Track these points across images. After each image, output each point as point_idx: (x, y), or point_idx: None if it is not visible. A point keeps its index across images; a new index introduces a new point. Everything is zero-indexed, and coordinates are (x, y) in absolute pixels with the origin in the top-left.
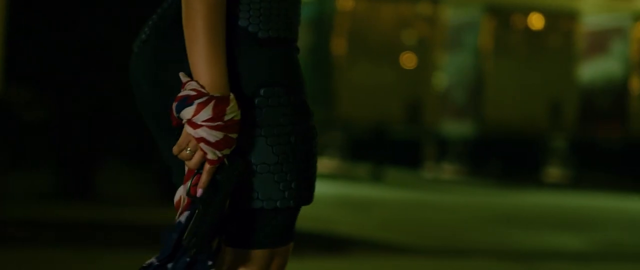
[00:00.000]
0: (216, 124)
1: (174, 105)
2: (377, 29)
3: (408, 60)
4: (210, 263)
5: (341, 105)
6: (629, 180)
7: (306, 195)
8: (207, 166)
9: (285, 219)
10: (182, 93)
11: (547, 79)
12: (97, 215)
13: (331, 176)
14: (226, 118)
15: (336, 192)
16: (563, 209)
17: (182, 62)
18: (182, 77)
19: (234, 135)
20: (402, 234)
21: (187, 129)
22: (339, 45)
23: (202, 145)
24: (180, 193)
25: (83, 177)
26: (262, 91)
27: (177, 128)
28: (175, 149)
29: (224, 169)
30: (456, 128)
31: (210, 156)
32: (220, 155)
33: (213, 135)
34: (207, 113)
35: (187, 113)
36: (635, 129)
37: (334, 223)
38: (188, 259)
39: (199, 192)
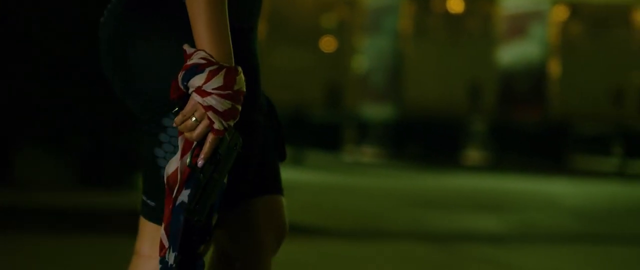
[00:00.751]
0: (226, 92)
1: (181, 74)
2: (296, 12)
3: (328, 43)
4: (208, 238)
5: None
6: (547, 163)
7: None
8: (211, 137)
9: None
10: (191, 62)
11: (466, 62)
12: (16, 199)
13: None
14: (235, 87)
15: None
16: (482, 191)
17: (134, 47)
18: (187, 48)
19: (239, 107)
20: (321, 217)
21: (195, 97)
22: (258, 29)
23: (209, 113)
24: (176, 165)
25: (1, 163)
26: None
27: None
28: (178, 119)
29: (224, 143)
30: (376, 111)
31: (216, 126)
32: (226, 125)
33: (222, 104)
34: (218, 81)
35: (197, 80)
36: (554, 112)
37: None
38: (195, 238)
39: (201, 163)
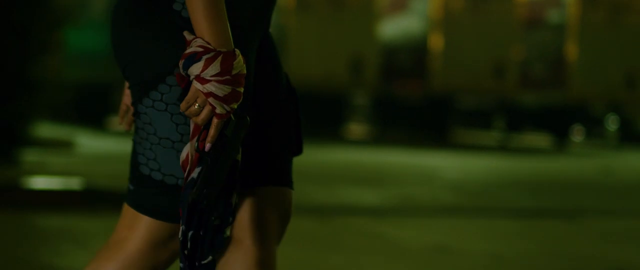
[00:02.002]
0: (224, 78)
1: (181, 62)
2: None
3: None
4: (231, 219)
5: None
6: (429, 136)
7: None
8: (215, 121)
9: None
10: (189, 50)
11: (348, 36)
12: None
13: (131, 134)
14: (234, 72)
15: None
16: (363, 165)
17: (125, 43)
18: (187, 35)
19: (241, 89)
20: None
21: (196, 84)
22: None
23: (210, 99)
24: (187, 150)
25: None
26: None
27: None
28: (183, 105)
29: (230, 124)
30: None
31: (218, 110)
32: (228, 108)
33: (221, 90)
34: (215, 68)
35: (196, 69)
36: (436, 86)
37: None
38: (214, 219)
39: (208, 146)
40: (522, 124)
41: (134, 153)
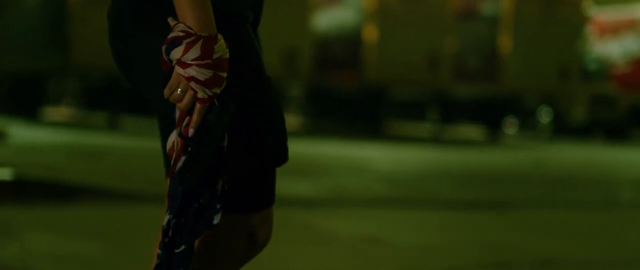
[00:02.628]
0: (205, 62)
1: (164, 47)
2: None
3: None
4: (218, 206)
5: (77, 53)
6: (363, 128)
7: (282, 154)
8: (198, 106)
9: (266, 181)
10: (171, 35)
11: (282, 27)
12: None
13: (66, 124)
14: (215, 56)
15: (70, 141)
16: (297, 156)
17: (131, 37)
18: (170, 21)
19: (223, 74)
20: (133, 182)
21: (177, 69)
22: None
23: (192, 84)
24: (173, 138)
25: None
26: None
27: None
28: (166, 91)
29: (214, 109)
30: None
31: (200, 95)
32: (210, 93)
33: (202, 74)
34: (195, 52)
35: (176, 53)
36: (370, 78)
37: (66, 171)
38: (197, 205)
39: (191, 132)
40: (456, 116)
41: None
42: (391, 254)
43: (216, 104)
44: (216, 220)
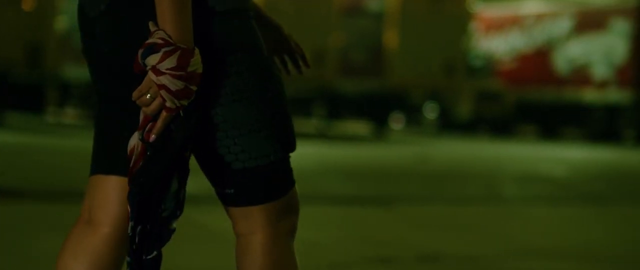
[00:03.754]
0: (179, 73)
1: (140, 51)
2: None
3: (28, 2)
4: (178, 212)
5: None
6: None
7: (291, 142)
8: (163, 114)
9: (280, 169)
10: (149, 40)
11: None
12: None
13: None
14: (189, 69)
15: None
16: None
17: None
18: (151, 26)
19: (194, 88)
20: (15, 179)
21: (150, 75)
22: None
23: (162, 92)
24: (134, 141)
25: None
26: (227, 60)
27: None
28: (135, 94)
29: (178, 120)
30: (78, 72)
31: (168, 104)
32: (178, 104)
33: (174, 84)
34: (171, 62)
35: (153, 59)
36: None
37: None
38: (162, 214)
39: (152, 137)
40: (342, 111)
41: (215, 159)
42: None
43: (181, 114)
44: (174, 225)
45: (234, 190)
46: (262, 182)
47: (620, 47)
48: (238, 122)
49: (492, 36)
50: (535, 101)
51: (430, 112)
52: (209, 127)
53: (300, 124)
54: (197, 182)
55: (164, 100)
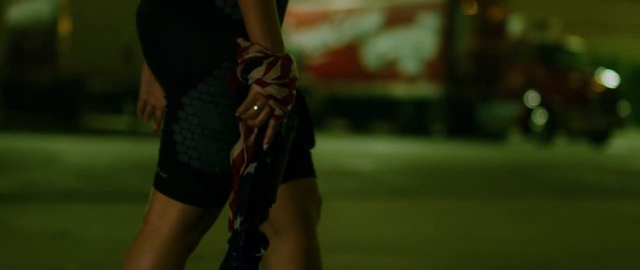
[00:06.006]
0: (283, 81)
1: (239, 68)
2: None
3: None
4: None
5: None
6: (59, 121)
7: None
8: (272, 122)
9: (219, 184)
10: (248, 56)
11: None
12: None
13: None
14: (291, 75)
15: None
16: None
17: (165, 29)
18: (241, 42)
19: (295, 92)
20: None
21: (255, 88)
22: None
23: (270, 102)
24: (240, 147)
25: None
26: (224, 65)
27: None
28: (240, 109)
29: (283, 125)
30: None
31: (277, 112)
32: (285, 110)
33: (281, 92)
34: (276, 72)
35: (257, 73)
36: (65, 69)
37: None
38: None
39: (265, 146)
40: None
41: (170, 142)
42: (80, 248)
43: (285, 121)
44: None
45: (167, 176)
46: (194, 182)
47: (428, 42)
48: (206, 123)
49: (302, 31)
50: (345, 96)
51: None
52: (179, 114)
53: (111, 121)
54: (5, 180)
55: (272, 109)
